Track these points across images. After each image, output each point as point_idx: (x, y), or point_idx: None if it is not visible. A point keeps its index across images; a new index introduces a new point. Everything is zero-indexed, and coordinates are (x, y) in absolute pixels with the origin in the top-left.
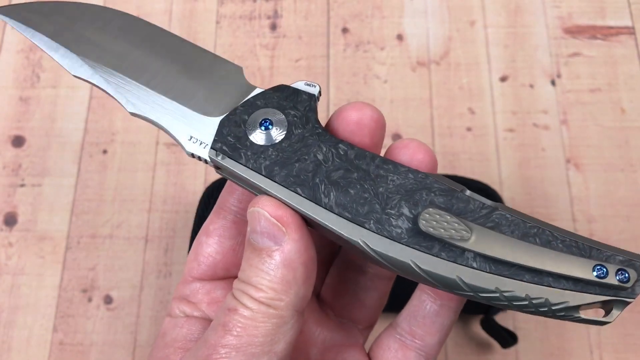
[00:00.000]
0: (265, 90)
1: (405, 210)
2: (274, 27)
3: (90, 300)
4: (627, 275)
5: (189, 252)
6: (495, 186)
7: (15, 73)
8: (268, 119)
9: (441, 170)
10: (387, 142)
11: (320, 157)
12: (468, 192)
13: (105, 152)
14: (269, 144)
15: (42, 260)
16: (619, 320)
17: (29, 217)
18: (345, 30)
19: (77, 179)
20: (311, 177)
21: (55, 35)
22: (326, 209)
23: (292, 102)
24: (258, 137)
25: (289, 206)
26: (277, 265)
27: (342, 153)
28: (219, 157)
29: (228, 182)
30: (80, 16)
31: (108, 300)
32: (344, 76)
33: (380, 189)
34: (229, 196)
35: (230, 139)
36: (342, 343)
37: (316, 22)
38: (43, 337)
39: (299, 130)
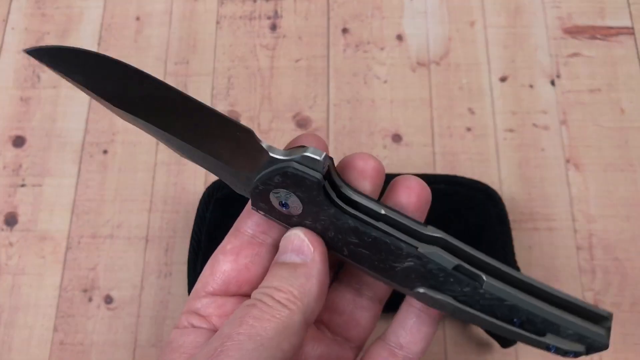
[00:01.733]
0: (277, 163)
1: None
2: (274, 27)
3: (90, 300)
4: (577, 353)
5: (189, 254)
6: (494, 186)
7: (15, 73)
8: (283, 201)
9: (441, 170)
10: (387, 142)
11: (333, 232)
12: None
13: (105, 152)
14: (294, 214)
15: (42, 260)
16: (618, 320)
17: (30, 217)
18: (345, 30)
19: (78, 179)
20: (333, 239)
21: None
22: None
23: (300, 187)
24: (283, 210)
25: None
26: (299, 275)
27: (352, 225)
28: (261, 212)
29: (246, 208)
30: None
31: (108, 300)
32: (344, 76)
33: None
34: (247, 220)
35: (262, 205)
36: (335, 358)
37: (316, 22)
38: (43, 337)
39: (314, 208)
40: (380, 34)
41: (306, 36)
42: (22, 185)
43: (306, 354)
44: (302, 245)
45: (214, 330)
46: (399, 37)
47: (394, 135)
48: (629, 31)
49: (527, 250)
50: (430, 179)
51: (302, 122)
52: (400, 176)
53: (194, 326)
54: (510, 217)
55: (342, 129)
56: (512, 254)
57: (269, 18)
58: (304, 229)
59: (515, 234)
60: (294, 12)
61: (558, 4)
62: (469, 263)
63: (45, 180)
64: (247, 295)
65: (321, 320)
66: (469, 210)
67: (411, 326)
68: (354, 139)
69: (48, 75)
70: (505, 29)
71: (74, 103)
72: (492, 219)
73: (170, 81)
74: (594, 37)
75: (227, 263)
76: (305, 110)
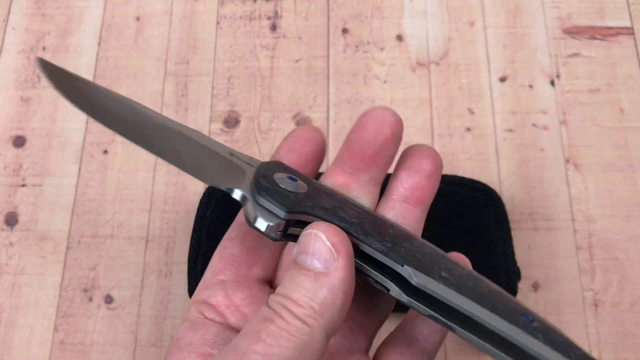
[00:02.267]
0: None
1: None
2: (274, 27)
3: (91, 299)
4: None
5: (189, 254)
6: (494, 186)
7: (16, 73)
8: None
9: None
10: None
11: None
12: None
13: (106, 152)
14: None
15: (43, 260)
16: (618, 320)
17: (30, 217)
18: (345, 30)
19: (78, 179)
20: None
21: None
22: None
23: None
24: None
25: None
26: (321, 287)
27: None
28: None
29: None
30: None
31: (109, 300)
32: (343, 77)
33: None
34: None
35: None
36: (348, 349)
37: (316, 22)
38: (44, 337)
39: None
40: (380, 34)
41: (306, 36)
42: (23, 185)
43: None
44: (324, 250)
45: (223, 324)
46: (399, 37)
47: None
48: (629, 31)
49: (527, 250)
50: None
51: (302, 122)
52: (412, 146)
53: (204, 316)
54: (510, 217)
55: (342, 129)
56: (512, 254)
57: (269, 18)
58: (325, 225)
59: (515, 234)
60: (294, 12)
61: (557, 4)
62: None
63: (46, 180)
64: (259, 280)
65: None
66: (469, 210)
67: (423, 320)
68: None
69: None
70: (504, 29)
71: None
72: (492, 219)
73: (170, 81)
74: (593, 37)
75: (234, 247)
76: (305, 111)
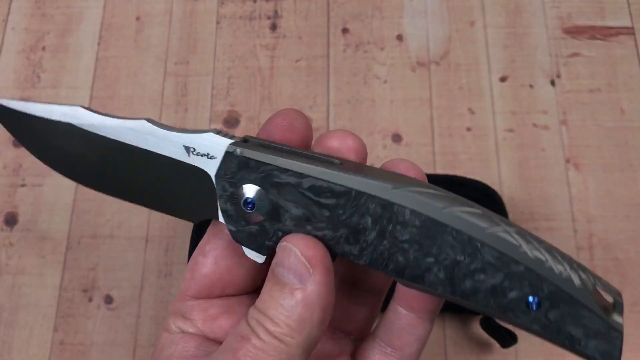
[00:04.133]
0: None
1: None
2: (274, 27)
3: (90, 300)
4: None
5: (189, 254)
6: (495, 186)
7: (15, 73)
8: (247, 199)
9: (441, 170)
10: (387, 142)
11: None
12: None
13: None
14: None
15: (42, 260)
16: None
17: (30, 217)
18: (345, 30)
19: None
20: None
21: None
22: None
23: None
24: (250, 212)
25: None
26: (297, 304)
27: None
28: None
29: None
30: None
31: (108, 300)
32: (344, 76)
33: None
34: None
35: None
36: (331, 353)
37: (316, 22)
38: (44, 337)
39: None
40: (380, 34)
41: (306, 36)
42: (22, 185)
43: None
44: (299, 265)
45: (201, 336)
46: (399, 37)
47: (394, 135)
48: (629, 31)
49: None
50: (430, 179)
51: None
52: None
53: (182, 330)
54: (511, 217)
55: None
56: None
57: (269, 18)
58: (301, 237)
59: None
60: (294, 12)
61: (558, 4)
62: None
63: (46, 180)
64: (234, 296)
65: None
66: None
67: (400, 328)
68: None
69: (48, 75)
70: (505, 29)
71: (73, 103)
72: None
73: (170, 81)
74: (593, 37)
75: (207, 266)
76: (305, 110)
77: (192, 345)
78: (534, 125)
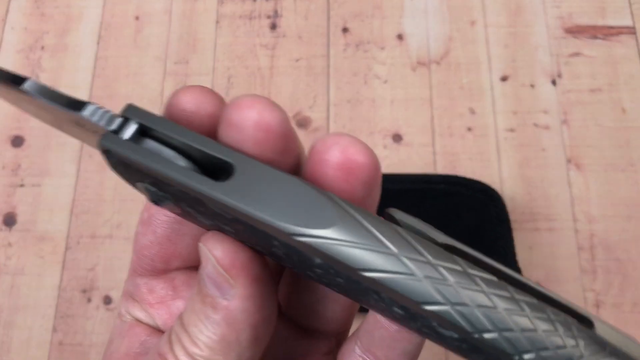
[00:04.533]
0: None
1: None
2: (274, 26)
3: (89, 300)
4: None
5: None
6: (495, 186)
7: None
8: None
9: (441, 170)
10: (387, 142)
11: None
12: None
13: None
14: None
15: (41, 261)
16: (620, 321)
17: (29, 217)
18: (345, 30)
19: (77, 179)
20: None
21: None
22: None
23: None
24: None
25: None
26: (219, 322)
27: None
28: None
29: None
30: None
31: (107, 300)
32: (344, 76)
33: None
34: None
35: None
36: (301, 355)
37: (316, 21)
38: (43, 338)
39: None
40: (381, 34)
41: (306, 36)
42: (21, 186)
43: (269, 354)
44: (217, 277)
45: (151, 326)
46: (400, 37)
47: (395, 135)
48: (630, 31)
49: (528, 250)
50: (430, 179)
51: (302, 122)
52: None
53: (132, 316)
54: (511, 217)
55: (342, 129)
56: (513, 254)
57: (268, 17)
58: (218, 240)
59: (516, 235)
60: (294, 11)
61: (559, 4)
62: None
63: (44, 180)
64: (185, 269)
65: (281, 307)
66: (470, 211)
67: (382, 340)
68: None
69: (47, 74)
70: (505, 29)
71: None
72: (493, 220)
73: (170, 80)
74: (594, 37)
75: (146, 236)
76: (305, 110)
77: (138, 340)
78: (535, 125)
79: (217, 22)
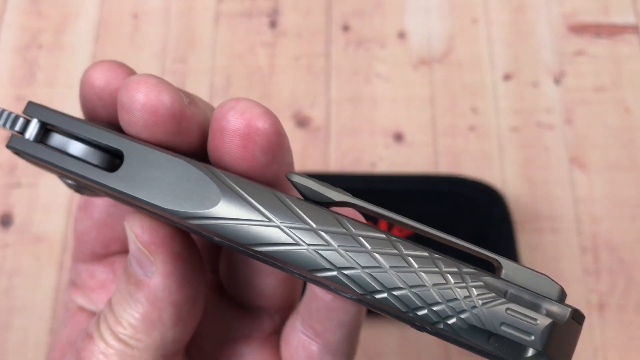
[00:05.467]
0: None
1: None
2: (273, 25)
3: None
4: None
5: None
6: (498, 186)
7: (11, 71)
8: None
9: (443, 170)
10: (389, 142)
11: None
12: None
13: None
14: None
15: (38, 262)
16: (624, 323)
17: (25, 218)
18: (346, 28)
19: None
20: None
21: None
22: None
23: None
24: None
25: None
26: (141, 300)
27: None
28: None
29: None
30: None
31: None
32: (344, 75)
33: None
34: None
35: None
36: (245, 335)
37: (316, 19)
38: (39, 340)
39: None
40: (382, 32)
41: (306, 34)
42: (18, 186)
43: (202, 334)
44: (138, 254)
45: (94, 313)
46: (401, 35)
47: (396, 134)
48: (634, 29)
49: (531, 251)
50: (432, 180)
51: (302, 121)
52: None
53: (75, 303)
54: (514, 217)
55: (342, 128)
56: (516, 255)
57: (268, 15)
58: (139, 219)
59: (519, 235)
60: (294, 9)
61: (562, 2)
62: None
63: (41, 180)
64: (125, 253)
65: (222, 284)
66: (472, 211)
67: (318, 311)
68: (355, 138)
69: (44, 73)
70: (508, 27)
71: (70, 102)
72: (496, 220)
73: (168, 79)
74: (598, 35)
75: (84, 221)
76: (305, 109)
77: (79, 328)
78: (538, 124)
79: (216, 20)
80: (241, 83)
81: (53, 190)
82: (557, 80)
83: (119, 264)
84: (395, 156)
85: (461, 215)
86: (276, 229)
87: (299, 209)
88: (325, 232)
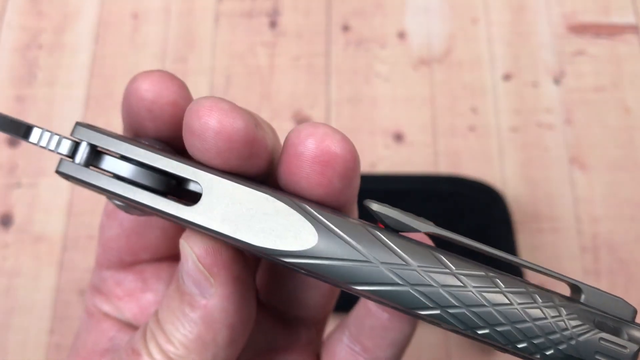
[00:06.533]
0: None
1: None
2: (273, 25)
3: None
4: None
5: None
6: (498, 186)
7: (11, 72)
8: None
9: (444, 170)
10: (389, 142)
11: None
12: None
13: None
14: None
15: (38, 262)
16: None
17: (25, 217)
18: (346, 28)
19: None
20: None
21: None
22: None
23: None
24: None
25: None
26: (196, 321)
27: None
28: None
29: None
30: None
31: None
32: (344, 75)
33: None
34: None
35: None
36: (281, 346)
37: (316, 20)
38: (40, 340)
39: None
40: (382, 32)
41: (306, 34)
42: (18, 186)
43: (250, 347)
44: (197, 274)
45: (120, 320)
46: (401, 35)
47: (396, 134)
48: (634, 29)
49: (532, 251)
50: (432, 180)
51: (302, 121)
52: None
53: (99, 310)
54: (514, 217)
55: (342, 128)
56: (516, 255)
57: (268, 15)
58: (202, 240)
59: (519, 235)
60: (294, 9)
61: (562, 2)
62: None
63: (41, 180)
64: (154, 261)
65: (260, 302)
66: (472, 211)
67: (371, 328)
68: (355, 138)
69: (44, 73)
70: (508, 27)
71: (70, 102)
72: (496, 220)
73: None
74: (598, 35)
75: (112, 229)
76: (305, 109)
77: (107, 336)
78: (538, 124)
79: (216, 20)
80: (241, 83)
81: (53, 190)
82: (557, 80)
83: (149, 273)
84: (395, 156)
85: (461, 215)
86: (377, 268)
87: (397, 247)
88: (426, 271)
